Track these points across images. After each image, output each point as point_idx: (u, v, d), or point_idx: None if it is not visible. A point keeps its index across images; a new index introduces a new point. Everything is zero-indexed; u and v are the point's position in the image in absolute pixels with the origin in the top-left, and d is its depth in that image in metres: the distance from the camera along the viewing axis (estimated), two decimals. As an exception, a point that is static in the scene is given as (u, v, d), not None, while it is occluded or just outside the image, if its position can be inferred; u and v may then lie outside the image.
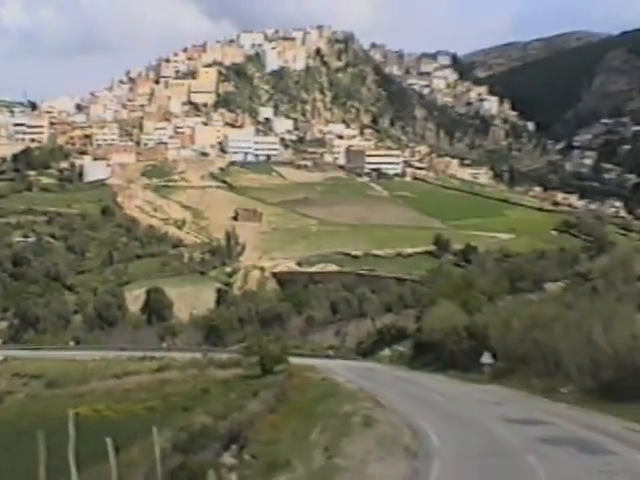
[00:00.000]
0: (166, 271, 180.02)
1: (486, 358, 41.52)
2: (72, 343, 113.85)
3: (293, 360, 72.34)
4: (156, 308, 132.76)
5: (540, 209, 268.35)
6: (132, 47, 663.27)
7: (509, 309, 42.73)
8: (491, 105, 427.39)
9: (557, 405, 28.86)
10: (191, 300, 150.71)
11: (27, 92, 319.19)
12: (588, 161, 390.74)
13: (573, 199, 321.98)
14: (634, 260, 43.63)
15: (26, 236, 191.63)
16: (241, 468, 21.08)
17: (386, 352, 72.11)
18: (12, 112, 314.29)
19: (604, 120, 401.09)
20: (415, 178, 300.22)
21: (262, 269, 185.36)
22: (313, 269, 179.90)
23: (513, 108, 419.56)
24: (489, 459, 21.17)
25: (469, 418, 27.47)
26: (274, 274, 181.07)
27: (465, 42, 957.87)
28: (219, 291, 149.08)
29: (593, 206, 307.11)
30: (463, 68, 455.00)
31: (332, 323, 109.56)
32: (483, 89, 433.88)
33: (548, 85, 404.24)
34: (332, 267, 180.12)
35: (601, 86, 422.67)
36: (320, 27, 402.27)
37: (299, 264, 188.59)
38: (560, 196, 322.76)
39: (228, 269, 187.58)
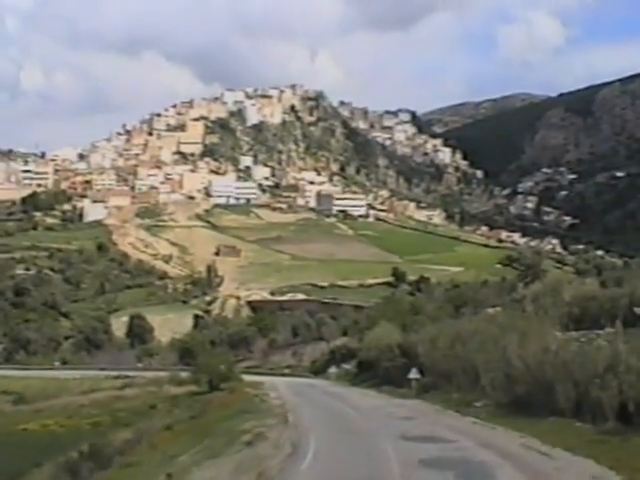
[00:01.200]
0: (152, 300, 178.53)
1: (413, 374, 37.76)
2: (57, 364, 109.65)
3: (250, 378, 69.33)
4: (138, 332, 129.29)
5: (486, 245, 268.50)
6: (133, 106, 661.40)
7: (437, 327, 38.94)
8: (445, 155, 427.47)
9: (464, 420, 24.96)
10: (173, 326, 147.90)
11: (39, 144, 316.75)
12: (530, 205, 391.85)
13: (516, 237, 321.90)
14: (563, 287, 40.28)
15: (28, 269, 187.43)
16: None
17: (333, 370, 68.12)
18: (26, 162, 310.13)
19: (544, 169, 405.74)
20: (377, 219, 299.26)
21: (238, 298, 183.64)
22: (283, 298, 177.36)
23: (464, 158, 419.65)
24: None
25: (367, 434, 23.55)
26: (248, 302, 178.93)
27: (423, 102, 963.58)
28: (196, 317, 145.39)
29: (533, 243, 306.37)
30: (421, 124, 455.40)
31: (293, 345, 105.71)
32: (438, 141, 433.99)
33: (496, 139, 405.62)
34: (300, 296, 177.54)
35: (542, 140, 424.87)
36: (294, 86, 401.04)
37: (272, 293, 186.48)
38: (504, 234, 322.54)
39: (208, 298, 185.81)
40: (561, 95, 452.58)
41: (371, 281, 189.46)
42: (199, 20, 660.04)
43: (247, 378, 70.41)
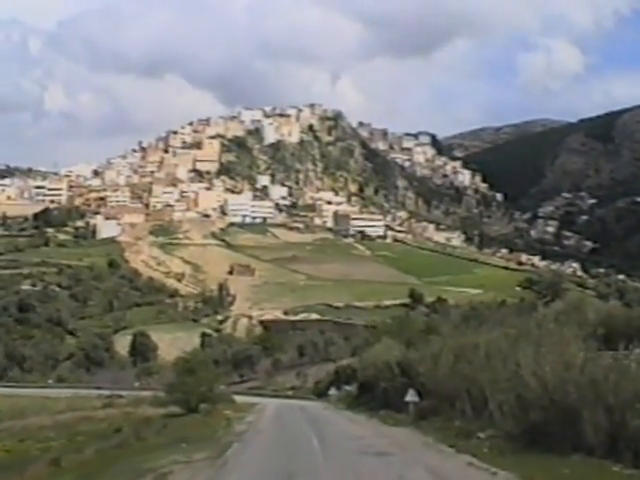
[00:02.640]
0: (161, 318, 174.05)
1: (410, 396, 32.05)
2: (51, 381, 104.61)
3: (248, 399, 64.50)
4: (141, 351, 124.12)
5: (506, 268, 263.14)
6: (155, 128, 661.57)
7: (440, 342, 33.17)
8: (464, 177, 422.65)
9: (457, 459, 18.86)
10: (182, 345, 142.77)
11: (57, 163, 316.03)
12: (550, 229, 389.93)
13: (536, 260, 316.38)
14: (586, 305, 34.47)
15: (34, 285, 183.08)
16: None
17: (333, 392, 62.37)
18: (44, 179, 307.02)
19: (565, 194, 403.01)
20: (395, 240, 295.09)
21: (250, 317, 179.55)
22: (296, 318, 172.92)
23: (484, 180, 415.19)
24: None
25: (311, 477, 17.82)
26: (260, 322, 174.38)
27: (443, 126, 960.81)
28: (203, 335, 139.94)
29: (554, 267, 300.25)
30: (441, 147, 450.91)
31: (301, 365, 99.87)
32: (457, 164, 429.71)
33: (517, 164, 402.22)
34: (314, 316, 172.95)
35: (562, 165, 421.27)
36: (312, 105, 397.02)
37: (285, 313, 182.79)
38: (524, 257, 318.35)
39: (219, 317, 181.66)
40: (581, 121, 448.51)
41: (387, 302, 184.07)
42: (221, 43, 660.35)
43: (244, 400, 65.54)
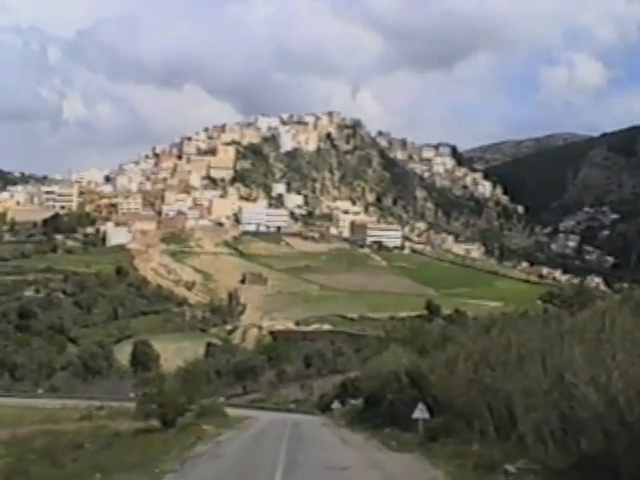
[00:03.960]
0: (167, 327, 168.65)
1: (418, 412, 25.94)
2: (41, 391, 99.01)
3: (244, 413, 59.47)
4: (142, 360, 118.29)
5: (527, 281, 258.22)
6: (173, 138, 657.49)
7: (456, 346, 27.13)
8: (485, 189, 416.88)
9: None
10: (187, 355, 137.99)
11: (72, 171, 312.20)
12: (572, 244, 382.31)
13: (557, 274, 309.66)
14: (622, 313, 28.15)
15: (37, 291, 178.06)
16: None
17: (336, 406, 56.40)
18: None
19: (586, 209, 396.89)
20: (413, 251, 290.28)
21: (260, 327, 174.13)
22: (308, 328, 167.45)
23: (505, 193, 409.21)
24: None
25: None
26: (271, 332, 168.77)
27: (463, 139, 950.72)
28: (208, 345, 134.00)
29: (575, 280, 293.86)
30: (462, 160, 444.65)
31: (308, 377, 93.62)
32: (478, 175, 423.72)
33: (538, 177, 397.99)
34: (326, 327, 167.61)
35: (584, 179, 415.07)
36: (330, 113, 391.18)
37: (297, 324, 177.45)
38: (545, 270, 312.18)
39: (228, 327, 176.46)
40: (604, 135, 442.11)
41: (403, 314, 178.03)
42: (241, 54, 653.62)
43: (240, 413, 60.51)
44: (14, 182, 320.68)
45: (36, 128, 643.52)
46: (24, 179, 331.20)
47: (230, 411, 60.52)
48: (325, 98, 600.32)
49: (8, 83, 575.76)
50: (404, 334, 52.06)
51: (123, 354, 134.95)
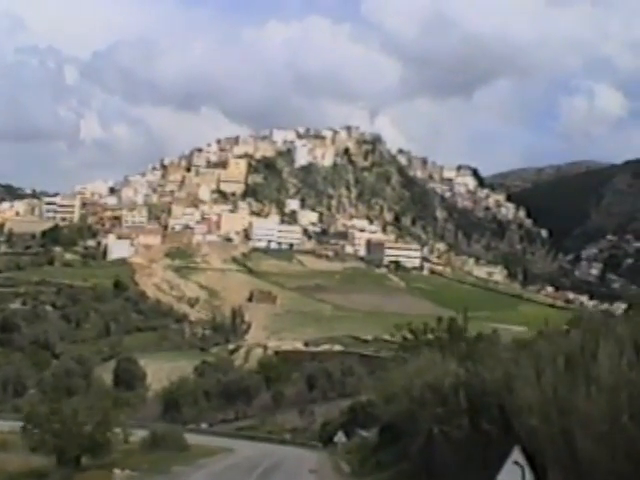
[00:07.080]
0: (163, 345, 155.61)
1: (511, 466, 11.29)
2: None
3: (217, 443, 45.68)
4: (125, 379, 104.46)
5: (552, 305, 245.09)
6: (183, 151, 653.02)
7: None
8: (508, 212, 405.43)
9: None
10: (180, 374, 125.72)
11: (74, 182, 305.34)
12: (595, 271, 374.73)
13: (584, 299, 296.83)
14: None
15: (24, 303, 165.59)
16: None
17: (341, 439, 41.94)
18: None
19: (609, 236, 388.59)
20: (432, 272, 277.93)
21: (265, 347, 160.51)
22: (318, 349, 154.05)
23: (528, 216, 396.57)
24: None
25: None
26: (276, 352, 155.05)
27: (483, 166, 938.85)
28: (203, 363, 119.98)
29: (602, 307, 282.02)
30: (483, 182, 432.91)
31: (310, 402, 79.02)
32: (501, 197, 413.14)
33: (560, 204, 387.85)
34: (337, 348, 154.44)
35: (608, 206, 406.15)
36: (349, 128, 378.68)
37: (306, 344, 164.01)
38: (572, 295, 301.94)
39: (231, 346, 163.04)
40: (627, 163, 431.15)
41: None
42: (258, 77, 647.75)
43: (215, 444, 46.87)
44: (22, 197, 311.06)
45: (53, 148, 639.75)
46: (35, 196, 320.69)
47: (205, 440, 47.12)
48: (343, 122, 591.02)
49: (26, 103, 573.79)
50: (439, 336, 39.23)
51: (108, 372, 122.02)
